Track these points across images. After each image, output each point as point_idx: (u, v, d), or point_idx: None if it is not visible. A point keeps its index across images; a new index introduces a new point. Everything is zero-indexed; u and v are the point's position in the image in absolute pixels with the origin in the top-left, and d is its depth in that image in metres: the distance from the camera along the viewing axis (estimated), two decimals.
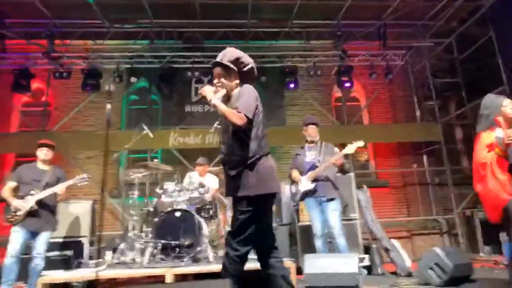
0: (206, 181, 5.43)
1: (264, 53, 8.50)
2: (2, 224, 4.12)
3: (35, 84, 8.31)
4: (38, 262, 4.13)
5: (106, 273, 3.95)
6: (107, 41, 8.38)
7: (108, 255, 4.72)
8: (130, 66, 8.22)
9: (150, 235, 4.51)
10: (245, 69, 2.65)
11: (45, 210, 4.25)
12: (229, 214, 4.90)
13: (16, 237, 4.05)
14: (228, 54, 2.66)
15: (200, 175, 5.64)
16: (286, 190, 5.86)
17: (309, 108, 8.91)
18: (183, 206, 4.55)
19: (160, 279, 4.20)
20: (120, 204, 7.71)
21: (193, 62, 8.30)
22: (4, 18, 7.71)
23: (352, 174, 5.54)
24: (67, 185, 4.34)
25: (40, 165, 4.43)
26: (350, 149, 4.17)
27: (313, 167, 4.29)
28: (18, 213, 4.09)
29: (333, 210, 4.21)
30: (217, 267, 3.85)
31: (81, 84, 8.02)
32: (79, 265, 4.70)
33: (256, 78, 8.20)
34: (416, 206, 8.72)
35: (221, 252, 4.55)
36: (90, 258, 5.21)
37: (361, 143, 4.17)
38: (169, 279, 3.64)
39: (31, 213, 4.13)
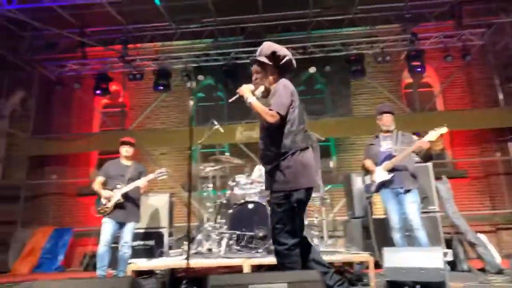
0: None
1: (328, 42, 8.29)
2: (94, 215, 4.53)
3: (112, 87, 8.96)
4: (125, 250, 4.48)
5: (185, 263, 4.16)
6: (174, 42, 8.77)
7: (186, 245, 4.97)
8: (197, 64, 8.52)
9: (224, 227, 4.66)
10: (282, 62, 2.64)
11: (130, 203, 4.59)
12: None
13: (106, 227, 4.43)
14: (264, 49, 2.67)
15: None
16: (357, 182, 5.71)
17: (377, 96, 8.54)
18: (255, 199, 4.62)
19: (237, 269, 4.32)
20: (194, 197, 8.09)
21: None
22: (85, 28, 8.40)
23: (430, 164, 5.22)
24: (148, 179, 4.64)
25: (123, 161, 4.78)
26: (432, 136, 3.91)
27: (390, 156, 4.10)
28: (107, 205, 4.46)
29: (412, 202, 4.01)
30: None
31: (152, 85, 8.50)
32: (161, 254, 5.02)
33: (321, 68, 8.07)
34: (501, 198, 7.97)
35: None
36: (170, 248, 5.53)
37: (444, 129, 3.90)
38: (246, 269, 3.73)
39: (118, 205, 4.49)
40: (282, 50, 2.66)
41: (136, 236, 5.16)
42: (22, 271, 7.10)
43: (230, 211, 4.53)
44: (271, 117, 2.43)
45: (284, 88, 2.53)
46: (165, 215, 5.75)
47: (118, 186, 4.54)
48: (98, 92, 8.48)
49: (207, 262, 4.06)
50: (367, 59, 8.28)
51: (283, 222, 2.43)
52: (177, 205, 6.96)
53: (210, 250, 4.62)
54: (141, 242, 5.56)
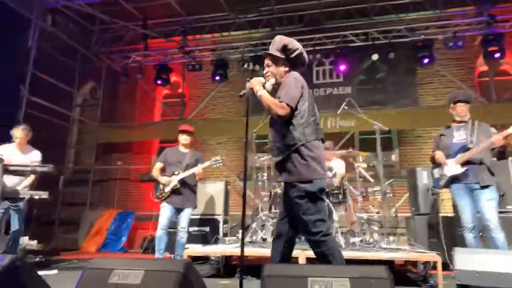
0: (332, 165, 5.25)
1: (392, 28, 7.80)
2: (153, 200, 4.67)
3: (172, 78, 9.23)
4: (182, 235, 4.57)
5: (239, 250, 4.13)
6: (232, 32, 8.79)
7: (241, 233, 4.97)
8: (254, 54, 8.48)
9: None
10: (292, 55, 2.62)
11: (187, 189, 4.66)
12: (360, 199, 4.63)
13: (164, 212, 4.54)
14: (276, 43, 2.67)
15: (326, 160, 5.46)
16: (422, 177, 5.31)
17: (446, 85, 7.87)
18: None
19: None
20: (248, 186, 8.11)
21: (314, 45, 8.13)
22: (147, 20, 8.71)
23: (510, 159, 4.67)
24: (204, 166, 4.68)
25: (181, 148, 4.86)
26: None
27: (464, 148, 3.71)
28: (165, 191, 4.58)
29: (489, 199, 3.58)
30: (350, 254, 3.69)
31: (210, 75, 8.62)
32: (216, 241, 5.07)
33: (384, 55, 7.61)
34: None
35: (352, 239, 4.34)
36: (224, 235, 5.57)
37: None
38: (301, 261, 3.61)
39: (175, 191, 4.58)
40: (293, 43, 2.65)
41: (192, 222, 5.25)
42: (90, 249, 7.62)
43: None
44: (282, 109, 2.42)
45: (294, 80, 2.52)
46: (221, 202, 5.79)
47: (176, 172, 4.63)
48: (159, 82, 8.78)
49: (261, 251, 4.00)
50: (436, 45, 7.66)
51: (310, 212, 2.39)
52: (232, 194, 7.00)
53: (264, 239, 4.57)
54: (197, 228, 5.66)
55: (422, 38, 7.64)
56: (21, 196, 3.92)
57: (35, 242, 6.30)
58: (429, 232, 5.04)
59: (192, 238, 5.45)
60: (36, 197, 3.92)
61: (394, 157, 8.31)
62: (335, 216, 4.31)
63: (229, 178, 7.98)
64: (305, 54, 2.68)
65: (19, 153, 4.63)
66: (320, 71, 8.35)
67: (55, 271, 4.52)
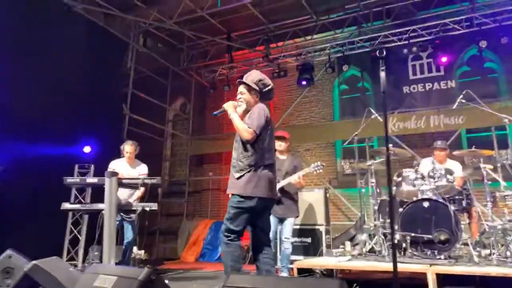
0: (449, 167, 4.65)
1: (503, 9, 6.85)
2: None
3: None
4: (287, 246, 4.39)
5: (355, 264, 3.81)
6: (315, 35, 8.53)
7: (348, 245, 4.63)
8: (341, 54, 8.13)
9: (391, 226, 4.15)
10: (265, 89, 3.05)
11: (287, 198, 4.48)
12: (490, 205, 3.98)
13: None
14: (252, 75, 3.07)
15: (439, 162, 4.87)
16: None
17: None
18: (430, 196, 3.96)
19: (411, 275, 3.77)
20: (343, 194, 7.72)
21: (408, 38, 7.50)
22: (231, 33, 8.86)
23: None
24: (304, 172, 4.46)
25: (279, 155, 4.70)
26: None
27: None
28: None
29: None
30: (489, 270, 3.14)
31: (295, 81, 8.45)
32: (321, 253, 4.78)
33: (492, 41, 6.70)
34: None
35: (484, 252, 3.74)
36: (328, 246, 5.24)
37: None
38: (430, 278, 3.16)
39: (276, 201, 4.40)
40: (267, 79, 3.08)
41: (293, 232, 5.03)
42: (188, 259, 7.84)
43: (401, 209, 3.98)
44: (250, 135, 2.82)
45: (262, 111, 2.91)
46: (322, 212, 5.45)
47: (276, 180, 4.46)
48: None
49: (375, 265, 3.63)
50: None
51: (233, 220, 2.84)
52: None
53: (375, 252, 4.18)
54: (298, 239, 5.42)
55: None
56: (133, 208, 4.07)
57: (142, 251, 6.64)
58: None
59: (293, 249, 5.22)
60: (147, 208, 4.05)
61: (510, 156, 7.24)
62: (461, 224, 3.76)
63: (320, 186, 7.65)
64: (274, 92, 3.13)
65: (129, 167, 4.90)
66: (417, 65, 7.66)
67: (165, 281, 4.61)
